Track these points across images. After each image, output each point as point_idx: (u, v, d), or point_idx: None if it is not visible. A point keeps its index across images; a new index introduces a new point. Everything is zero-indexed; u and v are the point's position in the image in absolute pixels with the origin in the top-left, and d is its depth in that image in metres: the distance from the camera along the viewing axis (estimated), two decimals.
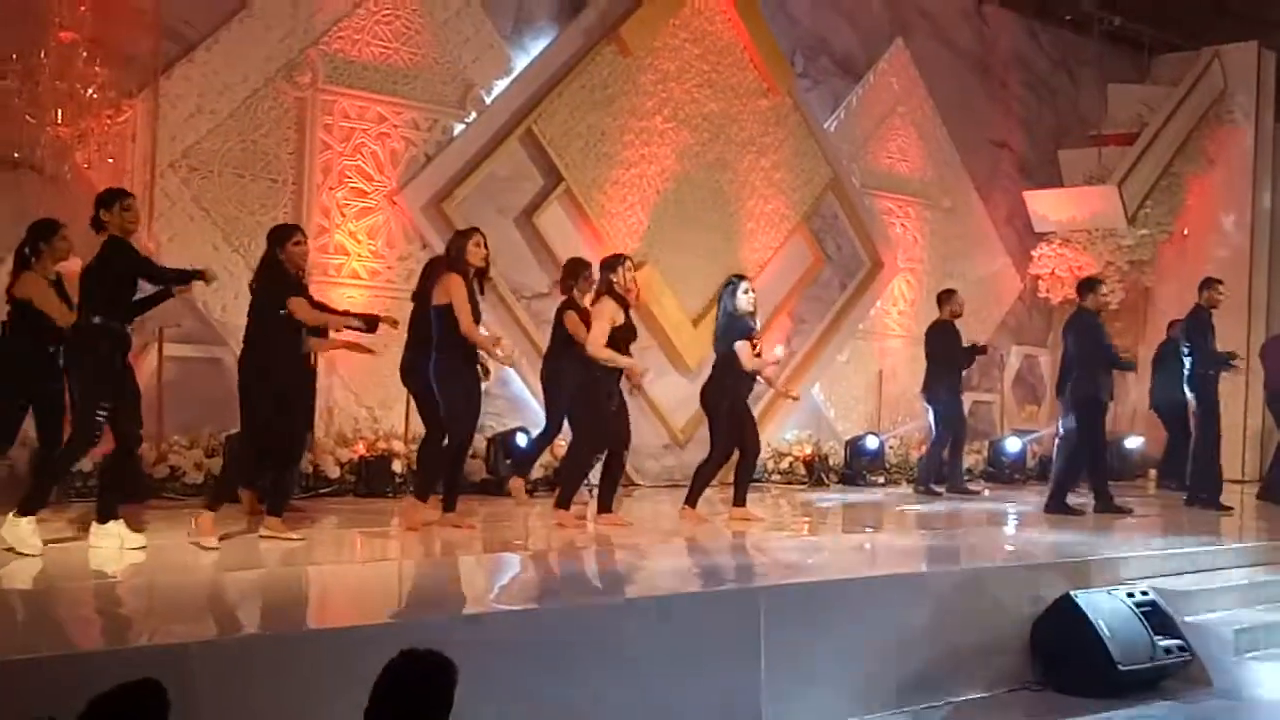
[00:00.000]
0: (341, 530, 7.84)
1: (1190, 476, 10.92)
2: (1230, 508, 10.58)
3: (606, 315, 7.84)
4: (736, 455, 8.57)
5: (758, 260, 11.77)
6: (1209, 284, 10.78)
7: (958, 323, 11.43)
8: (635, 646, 5.23)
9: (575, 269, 8.60)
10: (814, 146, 12.25)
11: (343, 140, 9.56)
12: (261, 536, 6.70)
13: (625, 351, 7.93)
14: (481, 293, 7.47)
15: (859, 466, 12.12)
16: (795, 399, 10.29)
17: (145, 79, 8.64)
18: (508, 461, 9.69)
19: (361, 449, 9.23)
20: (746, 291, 8.46)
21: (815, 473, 11.88)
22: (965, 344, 11.45)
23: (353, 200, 9.61)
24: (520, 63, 10.44)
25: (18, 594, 5.35)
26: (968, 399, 13.33)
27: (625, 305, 7.94)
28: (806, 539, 8.74)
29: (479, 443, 9.74)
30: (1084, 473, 10.19)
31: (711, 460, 8.52)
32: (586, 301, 8.24)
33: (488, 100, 10.24)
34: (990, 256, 14.16)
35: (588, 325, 7.97)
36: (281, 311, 6.79)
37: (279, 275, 6.88)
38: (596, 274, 8.21)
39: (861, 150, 12.97)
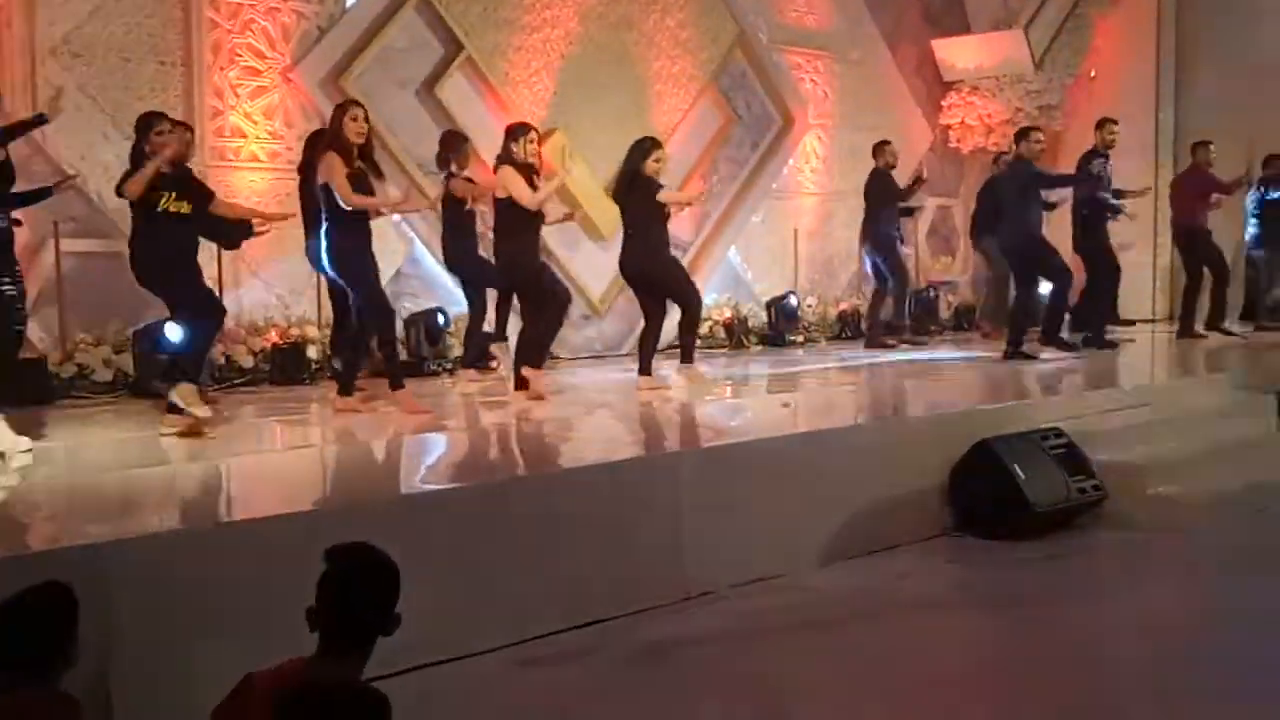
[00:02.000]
0: (260, 420, 7.74)
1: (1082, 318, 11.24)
2: (1114, 344, 10.79)
3: (513, 175, 7.76)
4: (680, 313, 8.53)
5: (668, 123, 11.61)
6: (1102, 124, 10.89)
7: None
8: (554, 521, 5.24)
9: (450, 142, 8.62)
10: (719, 2, 12.02)
11: (231, 17, 9.19)
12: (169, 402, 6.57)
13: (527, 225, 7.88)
14: (372, 171, 7.18)
15: (780, 327, 12.17)
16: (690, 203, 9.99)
17: None
18: (426, 342, 9.61)
19: (274, 337, 9.06)
20: (658, 160, 8.32)
21: (735, 335, 11.91)
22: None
23: (246, 79, 9.29)
24: None
25: None
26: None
27: (527, 175, 7.83)
28: (727, 401, 8.78)
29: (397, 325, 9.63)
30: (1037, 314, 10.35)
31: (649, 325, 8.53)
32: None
33: None
34: (900, 107, 14.09)
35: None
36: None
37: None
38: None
39: (767, 5, 12.75)
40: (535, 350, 7.98)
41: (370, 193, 7.08)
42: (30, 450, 6.08)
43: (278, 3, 9.40)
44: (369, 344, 7.63)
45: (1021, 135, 10.39)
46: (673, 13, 11.64)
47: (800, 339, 12.27)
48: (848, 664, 4.83)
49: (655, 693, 4.56)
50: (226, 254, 8.72)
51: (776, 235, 12.85)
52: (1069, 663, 4.81)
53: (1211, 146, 11.79)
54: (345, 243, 7.07)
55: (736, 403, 8.64)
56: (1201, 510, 6.83)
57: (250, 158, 9.30)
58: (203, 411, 6.57)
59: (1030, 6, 14.17)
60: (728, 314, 11.99)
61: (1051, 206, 11.06)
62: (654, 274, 8.31)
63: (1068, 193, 11.12)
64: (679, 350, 8.62)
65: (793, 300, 12.32)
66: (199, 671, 3.89)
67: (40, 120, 6.46)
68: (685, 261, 11.62)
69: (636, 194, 8.22)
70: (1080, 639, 5.11)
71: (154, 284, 6.84)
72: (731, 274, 12.46)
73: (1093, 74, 14.60)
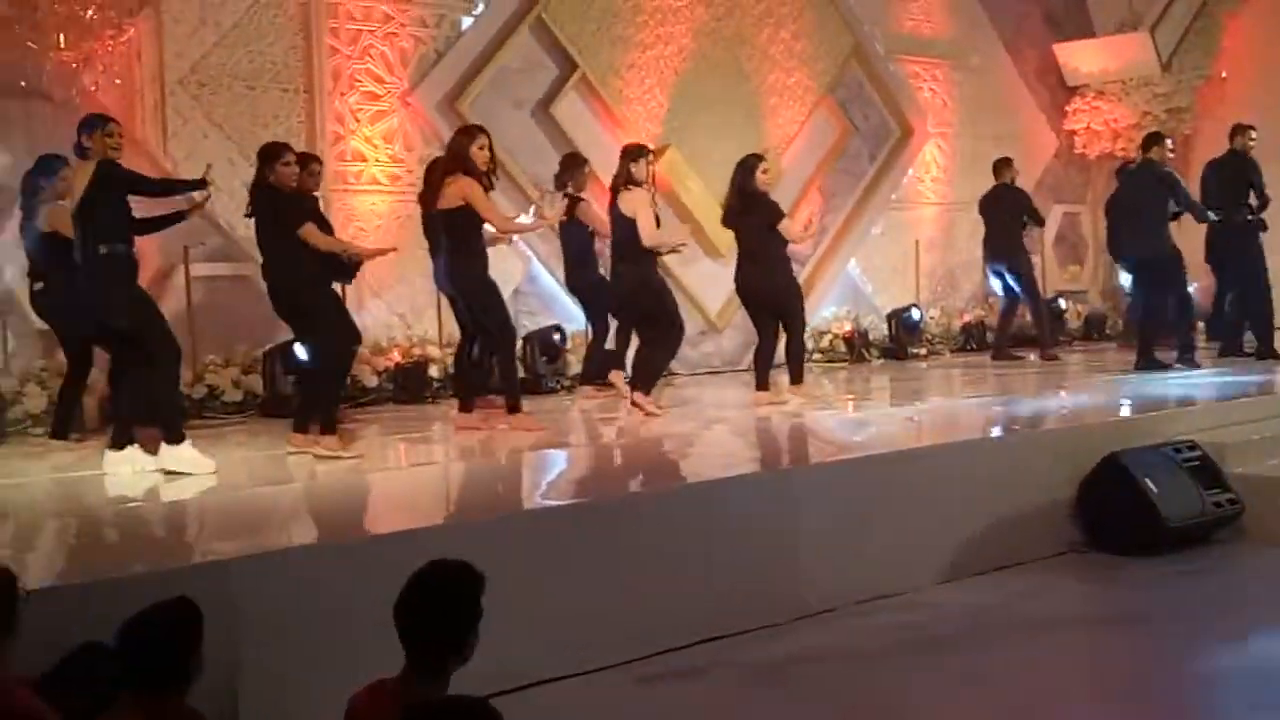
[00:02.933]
0: (384, 437, 7.86)
1: (1220, 327, 10.87)
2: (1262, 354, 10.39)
3: (645, 203, 7.76)
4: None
5: (784, 135, 11.55)
6: (1239, 130, 10.49)
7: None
8: (674, 536, 5.21)
9: (569, 164, 8.74)
10: (834, 14, 11.92)
11: (350, 43, 9.39)
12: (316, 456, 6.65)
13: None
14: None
15: (904, 340, 12.00)
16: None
17: None
18: (544, 359, 9.68)
19: (397, 356, 9.20)
20: (765, 171, 8.27)
21: (856, 349, 11.77)
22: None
23: (366, 105, 9.46)
24: None
25: (53, 520, 5.41)
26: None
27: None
28: (849, 415, 8.66)
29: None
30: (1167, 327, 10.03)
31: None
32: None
33: None
34: (1023, 114, 13.81)
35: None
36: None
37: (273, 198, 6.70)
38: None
39: (883, 14, 12.60)
40: (650, 376, 7.96)
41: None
42: (215, 472, 6.23)
43: (396, 28, 9.57)
44: (490, 364, 7.71)
45: (1155, 140, 10.06)
46: (787, 25, 11.58)
47: (923, 351, 12.08)
48: (967, 684, 4.70)
49: (772, 711, 4.50)
50: None
51: (897, 247, 12.67)
52: (1199, 682, 4.63)
53: None
54: (475, 265, 7.16)
55: (857, 416, 8.53)
56: None
57: (371, 181, 9.47)
58: (350, 453, 6.69)
59: (1156, 7, 13.77)
60: (848, 327, 11.86)
61: (1176, 215, 10.72)
62: (769, 295, 8.26)
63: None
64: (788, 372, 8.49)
65: (915, 313, 12.14)
66: (323, 686, 3.94)
67: (200, 185, 6.63)
68: (803, 276, 11.57)
69: (754, 215, 8.15)
70: (1212, 658, 4.92)
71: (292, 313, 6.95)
72: (851, 286, 12.32)
73: (1224, 75, 14.12)
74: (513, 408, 7.35)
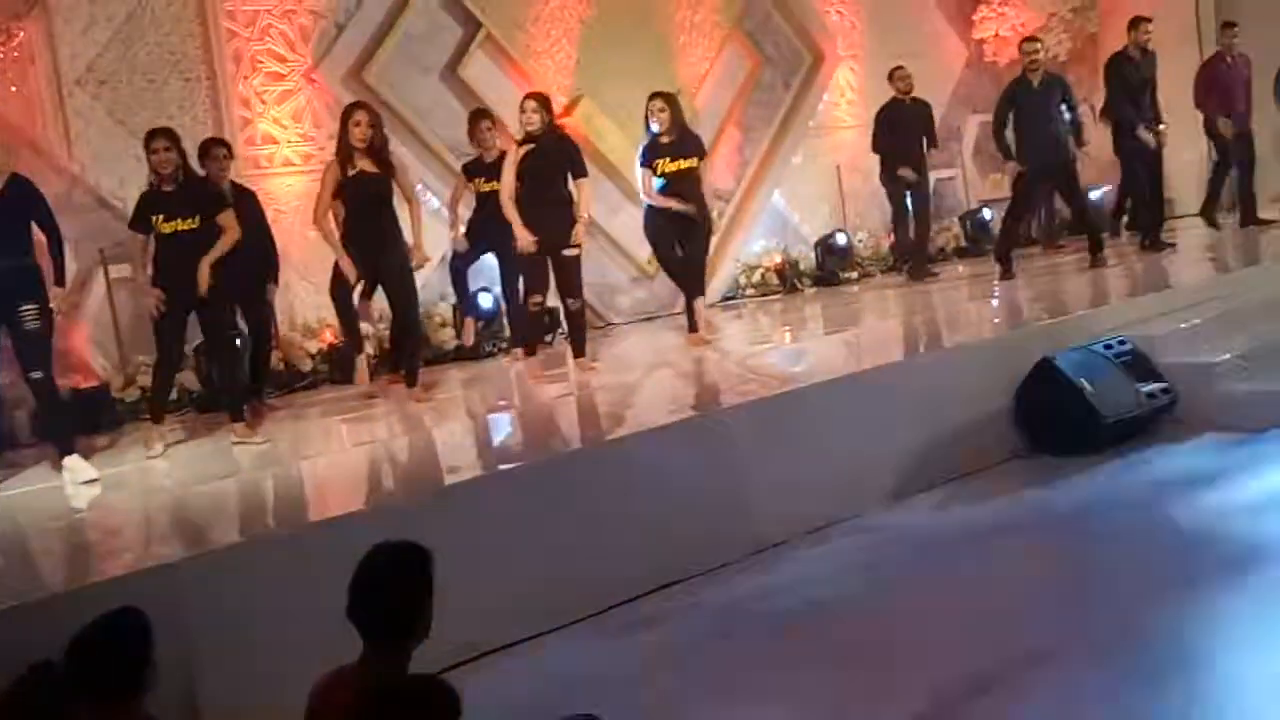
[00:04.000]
0: (322, 420, 7.83)
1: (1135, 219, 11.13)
2: (1172, 244, 10.59)
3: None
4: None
5: (695, 74, 11.50)
6: (1134, 24, 10.60)
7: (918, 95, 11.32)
8: (620, 488, 5.25)
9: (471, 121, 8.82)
10: None
11: (248, 25, 9.21)
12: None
13: None
14: (385, 170, 7.32)
15: (831, 266, 12.04)
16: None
17: None
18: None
19: (329, 337, 9.12)
20: (660, 110, 8.35)
21: (788, 280, 11.81)
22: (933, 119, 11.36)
23: (271, 85, 9.30)
24: None
25: None
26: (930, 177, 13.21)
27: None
28: (783, 347, 8.73)
29: (445, 310, 9.68)
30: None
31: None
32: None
33: None
34: (931, 27, 13.82)
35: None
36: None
37: None
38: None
39: None
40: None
41: (383, 195, 7.29)
42: (97, 479, 6.21)
43: (293, 4, 9.40)
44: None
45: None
46: None
47: (855, 275, 12.13)
48: (927, 597, 4.79)
49: (736, 650, 4.55)
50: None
51: (819, 173, 12.68)
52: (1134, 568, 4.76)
53: (1236, 29, 11.42)
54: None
55: (792, 348, 8.59)
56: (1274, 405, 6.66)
57: (284, 162, 9.34)
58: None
59: None
60: (778, 259, 11.88)
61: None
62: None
63: None
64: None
65: (840, 238, 12.18)
66: (283, 679, 3.94)
67: None
68: (729, 211, 11.61)
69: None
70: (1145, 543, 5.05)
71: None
72: (778, 218, 12.33)
73: None
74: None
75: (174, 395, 8.08)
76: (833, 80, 12.81)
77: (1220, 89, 11.25)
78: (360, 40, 9.64)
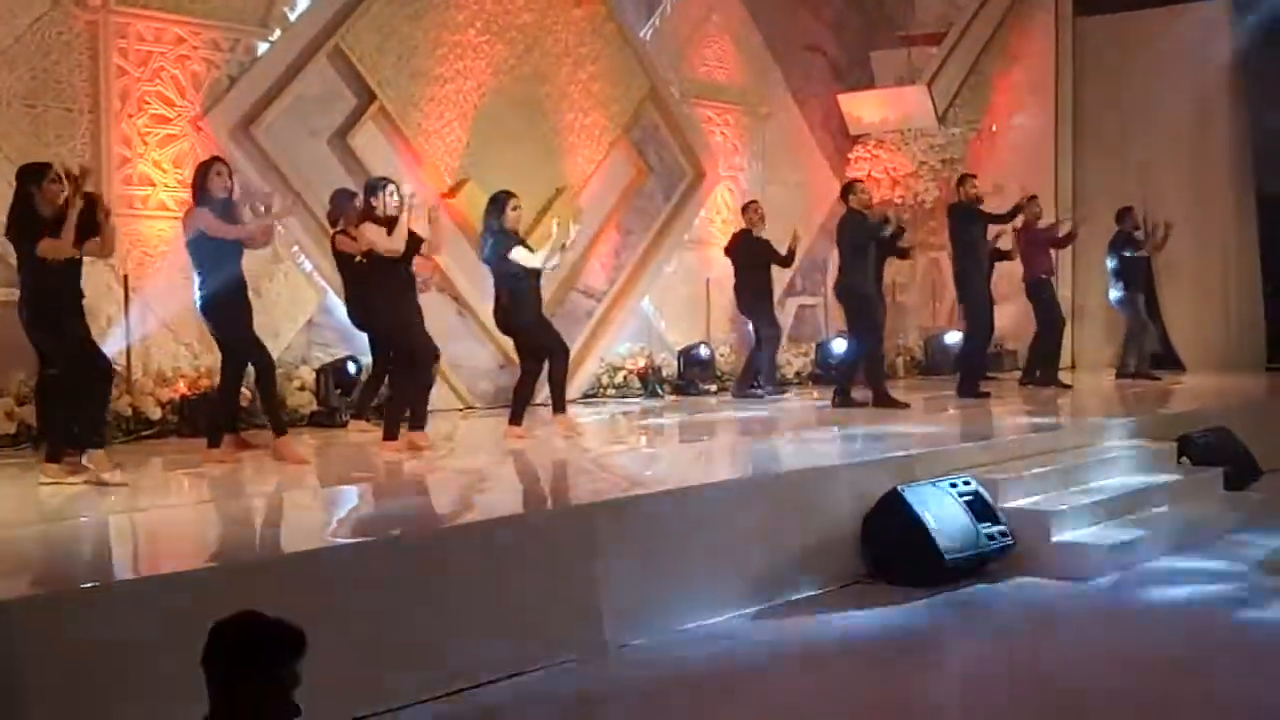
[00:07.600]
0: (166, 472, 7.61)
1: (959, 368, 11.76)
2: (987, 393, 11.11)
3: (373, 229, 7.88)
4: (547, 364, 8.63)
5: (581, 174, 11.69)
6: (963, 180, 11.39)
7: (765, 229, 11.79)
8: (472, 573, 5.22)
9: (337, 200, 8.85)
10: (631, 56, 12.16)
11: (140, 64, 9.09)
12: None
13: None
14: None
15: (692, 376, 12.25)
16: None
17: None
18: (338, 392, 9.54)
19: (183, 387, 8.91)
20: (515, 209, 8.45)
21: (649, 385, 11.96)
22: (785, 250, 11.70)
23: (155, 128, 9.17)
24: None
25: None
26: (792, 304, 13.64)
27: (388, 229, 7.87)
28: (640, 451, 8.81)
29: (307, 374, 9.57)
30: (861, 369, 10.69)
31: (525, 375, 8.69)
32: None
33: (292, 17, 9.85)
34: (809, 160, 14.34)
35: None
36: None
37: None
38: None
39: (678, 59, 12.93)
40: (400, 413, 7.99)
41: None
42: None
43: (188, 50, 9.31)
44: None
45: (849, 190, 10.93)
46: (585, 66, 11.75)
47: (714, 388, 12.34)
48: (763, 716, 4.85)
49: None
50: (134, 304, 8.66)
51: (690, 285, 12.95)
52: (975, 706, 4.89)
53: (1037, 199, 12.36)
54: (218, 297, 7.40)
55: (650, 452, 8.68)
56: (1105, 557, 6.98)
57: (159, 205, 9.17)
58: (113, 477, 6.56)
59: (933, 63, 14.56)
60: (641, 363, 12.05)
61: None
62: (529, 328, 8.54)
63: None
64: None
65: (704, 350, 12.42)
66: None
67: None
68: (599, 311, 11.77)
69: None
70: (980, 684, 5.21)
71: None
72: (645, 323, 12.53)
73: (994, 128, 14.99)
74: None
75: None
76: (711, 197, 13.15)
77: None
78: (252, 95, 9.58)
